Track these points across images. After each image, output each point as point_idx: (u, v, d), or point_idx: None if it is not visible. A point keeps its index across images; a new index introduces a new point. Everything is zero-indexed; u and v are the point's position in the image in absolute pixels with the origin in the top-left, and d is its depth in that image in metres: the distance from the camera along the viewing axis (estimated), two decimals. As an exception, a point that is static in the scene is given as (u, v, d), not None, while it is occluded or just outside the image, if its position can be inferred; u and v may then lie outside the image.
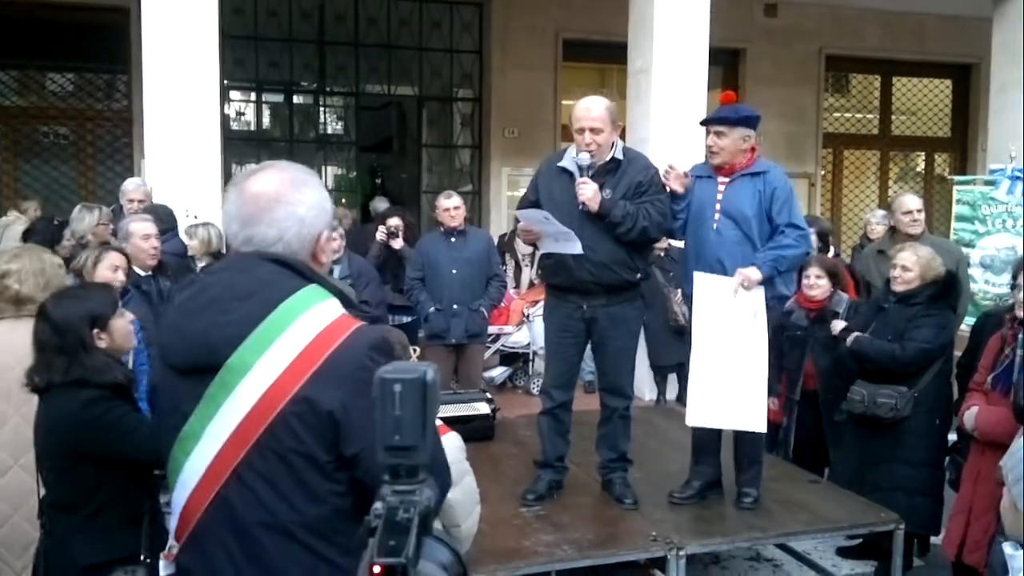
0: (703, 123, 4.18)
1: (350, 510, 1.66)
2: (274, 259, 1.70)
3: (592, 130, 3.85)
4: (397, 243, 6.94)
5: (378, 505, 1.20)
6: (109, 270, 3.95)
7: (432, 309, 6.04)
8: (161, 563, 1.78)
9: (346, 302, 1.76)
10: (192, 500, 1.67)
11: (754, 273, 3.84)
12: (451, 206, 6.18)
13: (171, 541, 1.79)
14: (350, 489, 1.65)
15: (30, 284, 3.16)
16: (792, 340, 4.99)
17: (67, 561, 2.52)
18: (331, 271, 5.76)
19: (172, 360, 1.73)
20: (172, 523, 1.76)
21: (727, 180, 3.99)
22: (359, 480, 1.64)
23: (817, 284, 4.93)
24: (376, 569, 1.09)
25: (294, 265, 1.71)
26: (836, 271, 5.08)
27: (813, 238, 5.66)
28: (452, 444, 2.80)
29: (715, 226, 3.96)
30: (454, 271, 6.07)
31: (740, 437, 4.12)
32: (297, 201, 1.71)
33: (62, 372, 2.53)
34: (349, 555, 1.66)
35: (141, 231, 4.59)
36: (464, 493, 2.82)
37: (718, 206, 3.97)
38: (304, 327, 1.63)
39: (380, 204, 9.21)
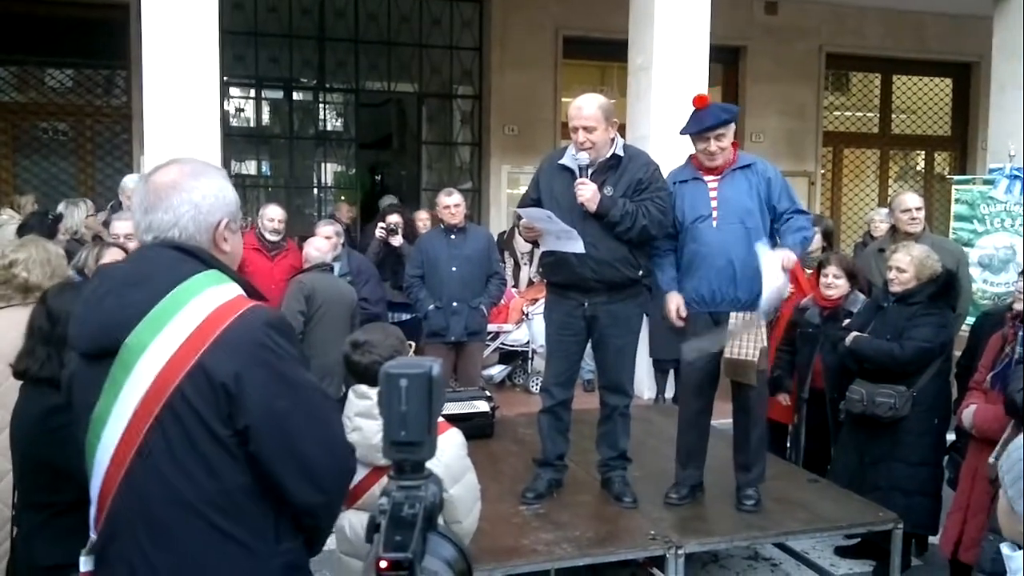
0: (704, 130, 3.92)
1: (253, 487, 1.70)
2: (175, 247, 1.77)
3: (585, 128, 3.85)
4: (396, 240, 6.94)
5: (383, 500, 1.20)
6: (113, 265, 3.95)
7: (432, 307, 6.03)
8: (82, 559, 1.78)
9: (248, 291, 1.80)
10: (105, 485, 1.72)
11: (792, 255, 3.85)
12: (451, 203, 6.17)
13: (91, 534, 1.79)
14: (250, 465, 1.70)
15: (37, 272, 3.17)
16: (804, 337, 5.00)
17: (30, 560, 2.49)
18: (331, 268, 5.78)
19: (80, 348, 1.79)
20: (91, 513, 1.78)
21: (717, 178, 3.98)
22: (254, 455, 1.68)
23: (835, 283, 4.92)
24: (383, 564, 1.09)
25: (193, 251, 1.77)
26: (854, 271, 5.06)
27: (817, 237, 5.67)
28: (453, 441, 2.81)
29: (714, 224, 3.94)
30: (454, 268, 6.06)
31: (744, 436, 4.11)
32: (192, 188, 1.80)
33: (39, 364, 2.50)
34: (258, 537, 1.71)
35: (124, 230, 4.57)
36: (466, 489, 2.82)
37: (714, 203, 3.95)
38: (198, 307, 1.69)
39: (391, 203, 9.21)
